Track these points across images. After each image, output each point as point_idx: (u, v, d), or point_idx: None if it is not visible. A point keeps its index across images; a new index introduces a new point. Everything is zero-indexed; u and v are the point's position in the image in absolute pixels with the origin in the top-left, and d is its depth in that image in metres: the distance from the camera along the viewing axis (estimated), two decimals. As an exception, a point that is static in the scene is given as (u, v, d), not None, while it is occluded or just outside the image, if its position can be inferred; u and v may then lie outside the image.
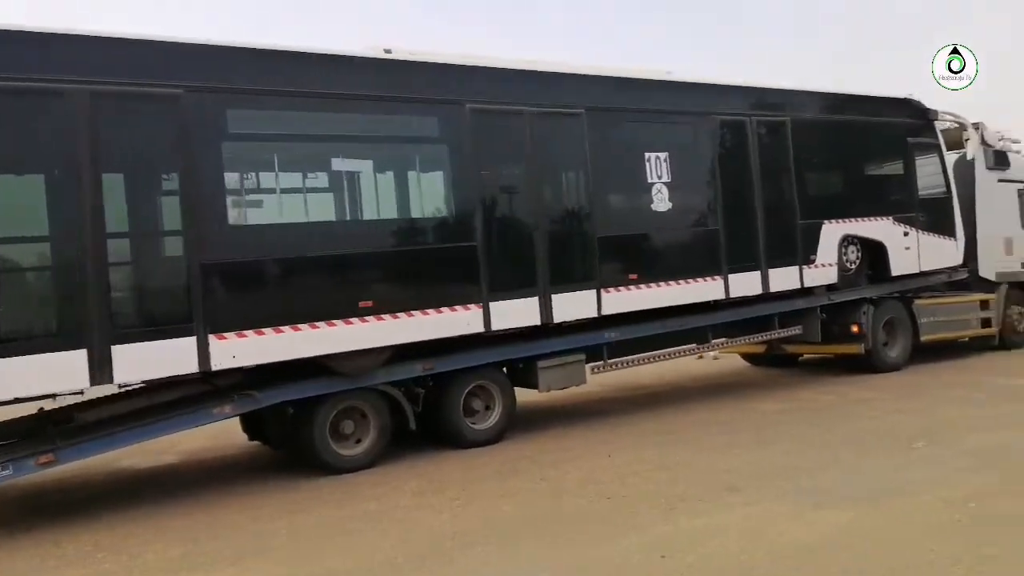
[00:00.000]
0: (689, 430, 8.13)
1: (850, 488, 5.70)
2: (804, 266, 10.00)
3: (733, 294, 9.34)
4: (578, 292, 8.20)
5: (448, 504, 5.97)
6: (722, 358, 13.58)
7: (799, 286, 10.00)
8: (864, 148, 11.03)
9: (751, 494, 5.67)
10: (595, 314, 8.35)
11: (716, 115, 9.34)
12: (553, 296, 8.01)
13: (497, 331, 7.73)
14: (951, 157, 12.17)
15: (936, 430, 7.36)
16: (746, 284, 9.47)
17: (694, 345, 9.84)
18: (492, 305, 7.61)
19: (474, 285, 7.52)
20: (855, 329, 10.77)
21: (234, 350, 6.32)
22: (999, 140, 12.57)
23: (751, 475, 6.18)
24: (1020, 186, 12.95)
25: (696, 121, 9.24)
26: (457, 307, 7.44)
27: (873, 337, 10.83)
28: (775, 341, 10.90)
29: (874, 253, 10.89)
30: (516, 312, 7.80)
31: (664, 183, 8.78)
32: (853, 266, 10.69)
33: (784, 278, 9.82)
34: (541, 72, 8.21)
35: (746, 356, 12.99)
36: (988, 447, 6.65)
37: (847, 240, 10.53)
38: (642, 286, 8.65)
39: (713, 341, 9.78)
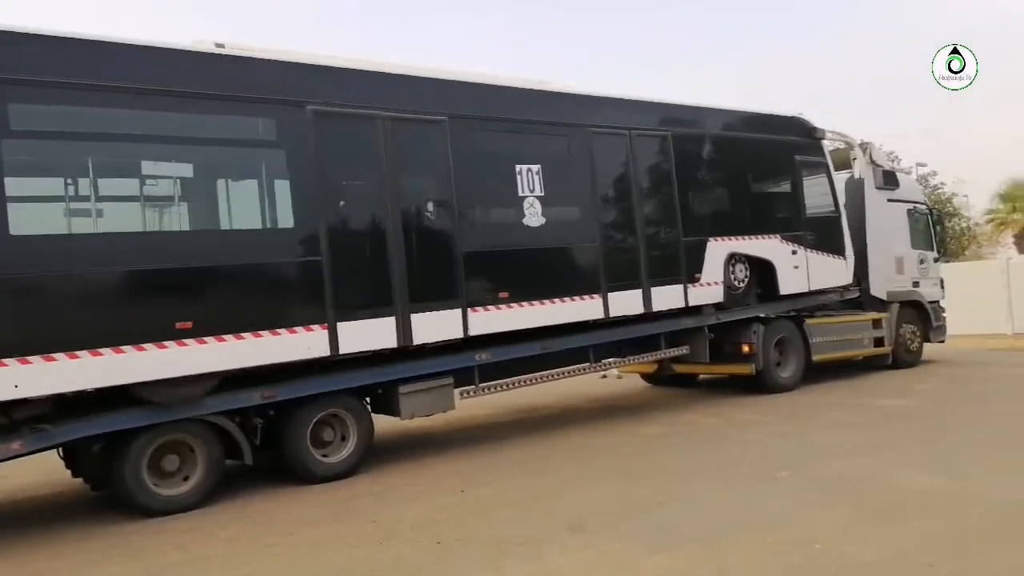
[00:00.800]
0: (558, 458, 7.69)
1: (699, 526, 5.31)
2: (689, 284, 9.70)
3: (613, 313, 8.95)
4: (441, 311, 7.66)
5: (261, 553, 5.32)
6: (625, 377, 13.23)
7: (684, 305, 9.69)
8: (750, 166, 10.78)
9: (593, 535, 5.23)
10: (461, 335, 7.81)
11: (593, 127, 8.91)
12: (413, 316, 7.44)
13: (347, 355, 7.09)
14: (840, 177, 12.19)
15: (805, 457, 7.12)
16: (627, 303, 9.09)
17: (580, 366, 9.34)
18: (340, 326, 6.98)
19: (317, 304, 6.86)
20: (746, 349, 10.58)
21: (16, 379, 5.49)
22: (887, 159, 12.69)
23: (601, 512, 5.74)
24: (909, 206, 13.12)
25: (572, 133, 8.80)
26: (297, 329, 6.76)
27: (764, 357, 10.63)
28: (663, 361, 10.61)
29: (763, 271, 10.70)
30: (369, 334, 7.18)
31: (537, 197, 8.31)
32: (741, 284, 10.47)
33: (668, 296, 9.49)
34: (396, 75, 7.64)
35: (645, 376, 12.68)
36: (849, 476, 6.39)
37: (734, 258, 10.29)
38: (514, 305, 8.19)
39: (602, 361, 9.39)
